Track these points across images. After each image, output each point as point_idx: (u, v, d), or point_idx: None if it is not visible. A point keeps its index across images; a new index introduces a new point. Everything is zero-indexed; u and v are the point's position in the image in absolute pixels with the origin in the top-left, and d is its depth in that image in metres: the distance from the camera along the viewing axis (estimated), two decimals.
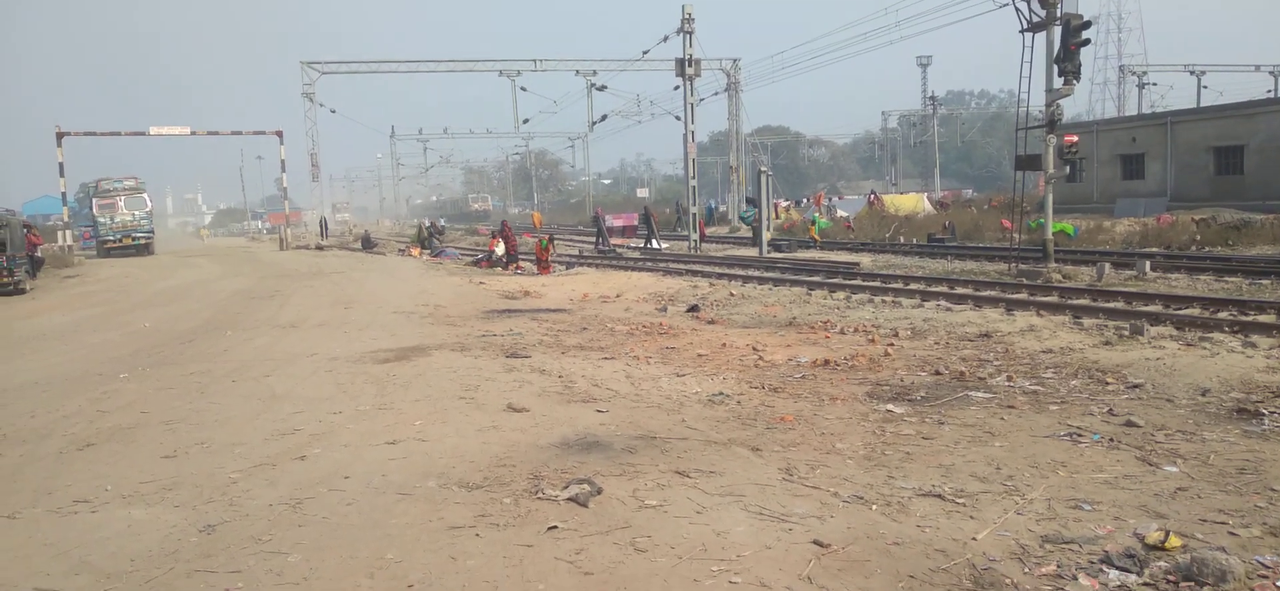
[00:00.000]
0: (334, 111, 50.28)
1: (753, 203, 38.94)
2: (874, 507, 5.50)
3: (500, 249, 28.71)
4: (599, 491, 5.75)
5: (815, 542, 4.91)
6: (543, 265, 26.12)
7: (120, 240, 43.60)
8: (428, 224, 46.33)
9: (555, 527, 5.18)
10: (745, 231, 42.70)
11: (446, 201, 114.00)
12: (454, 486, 6.03)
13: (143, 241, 44.32)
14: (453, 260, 33.34)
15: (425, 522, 5.38)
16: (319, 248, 46.00)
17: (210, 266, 33.39)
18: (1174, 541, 4.75)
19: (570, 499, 5.63)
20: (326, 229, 52.61)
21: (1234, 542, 4.77)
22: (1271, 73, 54.31)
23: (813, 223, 37.63)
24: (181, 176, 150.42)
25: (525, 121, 48.30)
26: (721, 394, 8.84)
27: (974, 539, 4.95)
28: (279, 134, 48.73)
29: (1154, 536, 4.82)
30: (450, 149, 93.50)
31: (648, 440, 7.08)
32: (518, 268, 27.34)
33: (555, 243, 28.95)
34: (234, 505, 5.87)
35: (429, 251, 37.29)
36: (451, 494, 5.89)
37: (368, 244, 44.47)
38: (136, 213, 44.75)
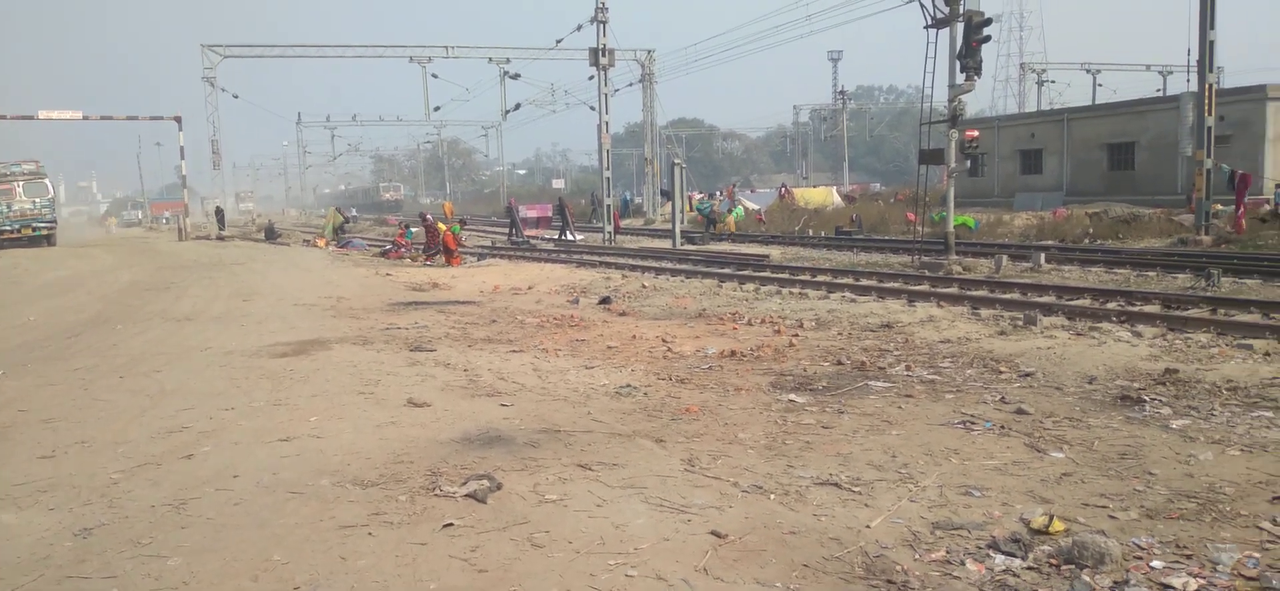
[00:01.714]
0: (236, 96, 48.69)
1: (667, 194, 39.17)
2: (772, 497, 5.54)
3: (415, 235, 28.17)
4: (498, 487, 5.67)
5: (713, 533, 4.92)
6: (452, 256, 25.73)
7: (18, 230, 40.17)
8: (349, 213, 45.29)
9: (451, 525, 5.08)
10: (660, 223, 42.92)
11: (356, 191, 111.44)
12: (348, 484, 5.86)
13: (44, 232, 41.08)
14: (360, 251, 32.62)
15: (316, 522, 5.22)
16: (220, 238, 44.46)
17: (104, 257, 31.95)
18: (1058, 525, 4.90)
19: (468, 495, 5.53)
20: (223, 219, 50.24)
21: (1113, 525, 4.95)
22: (1161, 73, 56.89)
23: (730, 213, 38.01)
24: (74, 163, 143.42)
25: (436, 109, 47.67)
26: (629, 386, 8.82)
27: (868, 527, 5.03)
28: (177, 119, 46.91)
29: (1039, 521, 4.97)
30: (359, 137, 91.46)
31: (552, 434, 7.01)
32: (428, 260, 26.88)
33: (466, 226, 28.51)
34: (114, 507, 5.59)
35: (336, 242, 36.39)
36: (345, 492, 5.73)
37: (271, 234, 43.16)
38: (37, 200, 41.26)
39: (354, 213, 78.09)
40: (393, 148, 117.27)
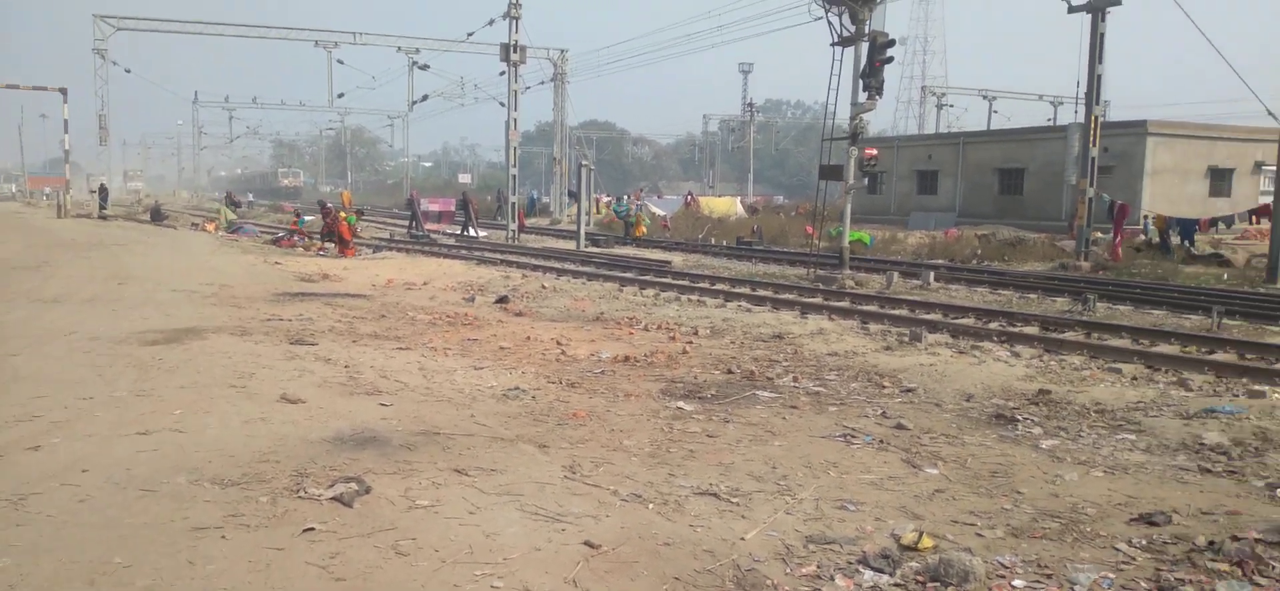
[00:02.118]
0: (129, 71, 46.37)
1: (574, 195, 38.97)
2: (650, 506, 5.48)
3: (309, 223, 27.30)
4: (367, 490, 5.45)
5: (586, 543, 4.82)
6: (346, 247, 25.02)
7: None
8: (246, 198, 43.63)
9: (312, 529, 4.85)
10: (567, 224, 42.67)
11: (254, 175, 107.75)
12: (206, 483, 5.56)
13: None
14: (251, 237, 31.47)
15: (167, 523, 4.92)
16: (102, 217, 42.32)
17: None
18: (926, 542, 4.97)
19: (334, 499, 5.30)
20: (106, 198, 47.58)
21: (980, 543, 5.05)
22: (1052, 102, 59.43)
23: (639, 218, 38.05)
24: None
25: (340, 96, 46.36)
26: (517, 389, 8.66)
27: (742, 539, 5.00)
28: (63, 91, 44.45)
29: (909, 537, 5.03)
30: (259, 120, 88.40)
31: (430, 436, 6.81)
32: (321, 249, 26.08)
33: (364, 217, 27.76)
34: None
35: (226, 228, 35.03)
36: (202, 491, 5.43)
37: (157, 216, 41.29)
38: None
39: (251, 197, 75.51)
40: (294, 133, 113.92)
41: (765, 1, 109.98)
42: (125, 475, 5.67)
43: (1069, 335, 12.58)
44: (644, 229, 34.13)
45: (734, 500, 5.64)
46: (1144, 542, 4.99)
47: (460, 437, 6.82)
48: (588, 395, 8.57)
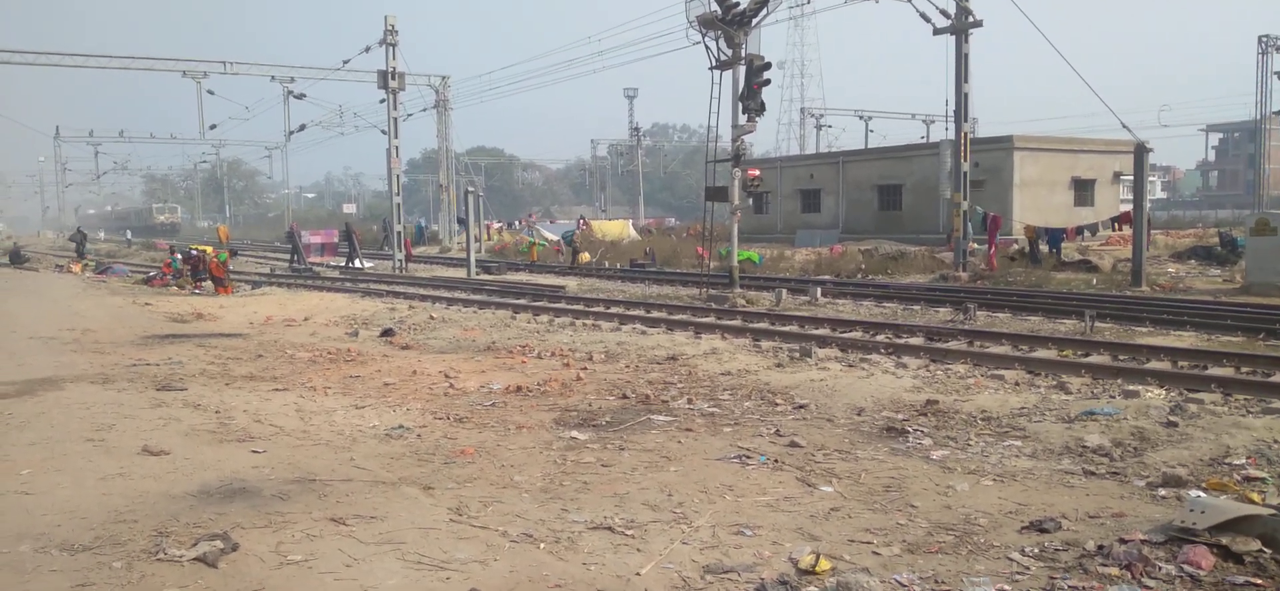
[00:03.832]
0: None
1: (464, 222, 38.32)
2: (542, 546, 5.24)
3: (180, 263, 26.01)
4: (234, 547, 5.04)
5: None
6: (222, 284, 23.90)
7: None
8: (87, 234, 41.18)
9: None
10: (457, 252, 41.92)
11: (128, 211, 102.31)
12: (54, 550, 5.05)
13: None
14: (121, 278, 29.78)
15: None
16: None
17: None
18: (824, 565, 4.88)
19: (197, 559, 4.87)
20: None
21: (877, 562, 4.99)
22: (925, 121, 61.77)
23: (533, 244, 37.65)
24: None
25: (212, 127, 44.45)
26: (401, 427, 8.28)
27: (638, 573, 4.82)
28: None
29: (806, 560, 4.94)
30: (127, 154, 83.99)
31: (305, 484, 6.40)
32: (197, 287, 24.84)
33: (237, 255, 26.60)
34: None
35: (94, 267, 33.07)
36: (48, 559, 4.92)
37: (17, 258, 38.69)
38: None
39: (129, 235, 71.70)
40: (167, 167, 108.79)
41: (645, 27, 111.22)
42: None
43: (953, 345, 12.89)
44: (587, 256, 33.71)
45: (629, 532, 5.45)
46: (1036, 551, 5.02)
47: (338, 483, 6.44)
48: (477, 430, 8.26)
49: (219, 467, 6.77)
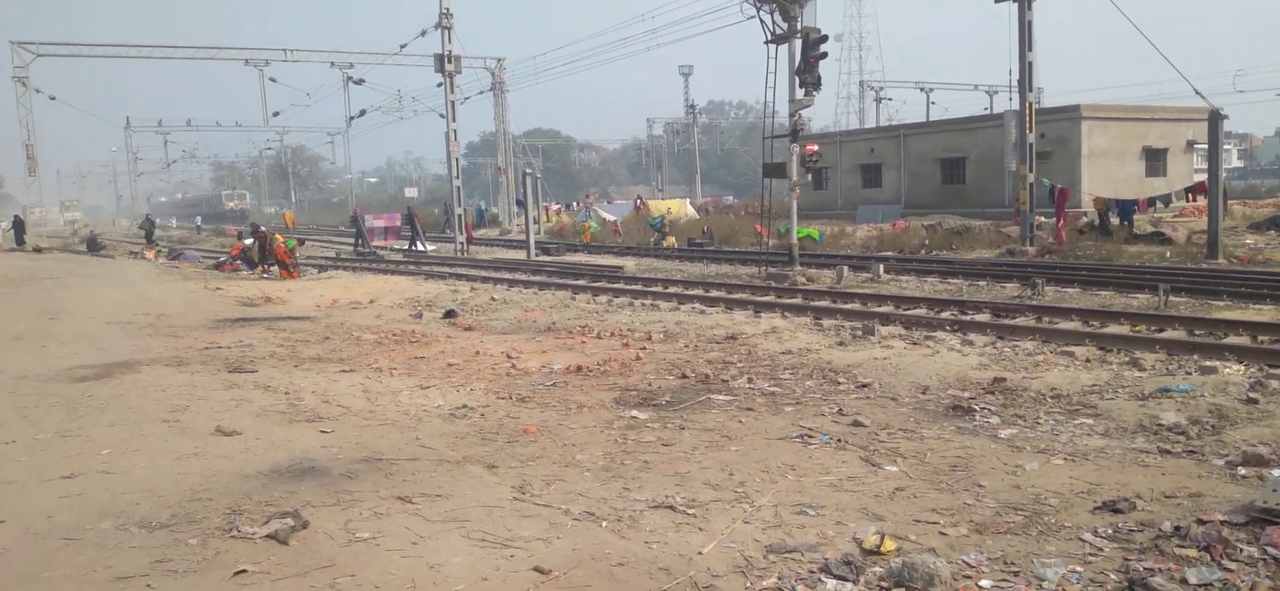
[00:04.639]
0: (53, 98, 45.08)
1: (522, 204, 38.59)
2: (604, 524, 5.26)
3: (249, 247, 26.63)
4: (304, 525, 5.15)
5: (536, 569, 4.59)
6: (289, 269, 24.44)
7: None
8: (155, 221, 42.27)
9: (244, 572, 4.55)
10: (516, 234, 42.25)
11: (198, 199, 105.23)
12: (133, 527, 5.22)
13: None
14: (193, 263, 30.64)
15: (88, 573, 4.59)
16: (37, 249, 40.84)
17: None
18: (889, 545, 4.82)
19: (269, 536, 5.00)
20: (22, 231, 43.30)
21: (943, 542, 4.91)
22: (988, 92, 60.40)
23: (586, 226, 37.75)
24: None
25: (276, 114, 45.49)
26: (465, 406, 8.39)
27: (700, 553, 4.81)
28: None
29: (870, 540, 4.87)
30: (195, 142, 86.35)
31: (372, 463, 6.51)
32: (265, 271, 25.44)
33: (304, 244, 27.16)
34: None
35: (166, 254, 34.06)
36: (128, 536, 5.09)
37: (94, 246, 40.04)
38: None
39: (200, 221, 73.77)
40: (233, 154, 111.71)
41: (698, 3, 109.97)
42: (46, 524, 5.31)
43: (1021, 321, 12.62)
44: (673, 240, 32.68)
45: (691, 512, 5.44)
46: (1109, 531, 4.89)
47: (404, 462, 6.54)
48: (539, 409, 8.33)
49: (289, 447, 6.93)
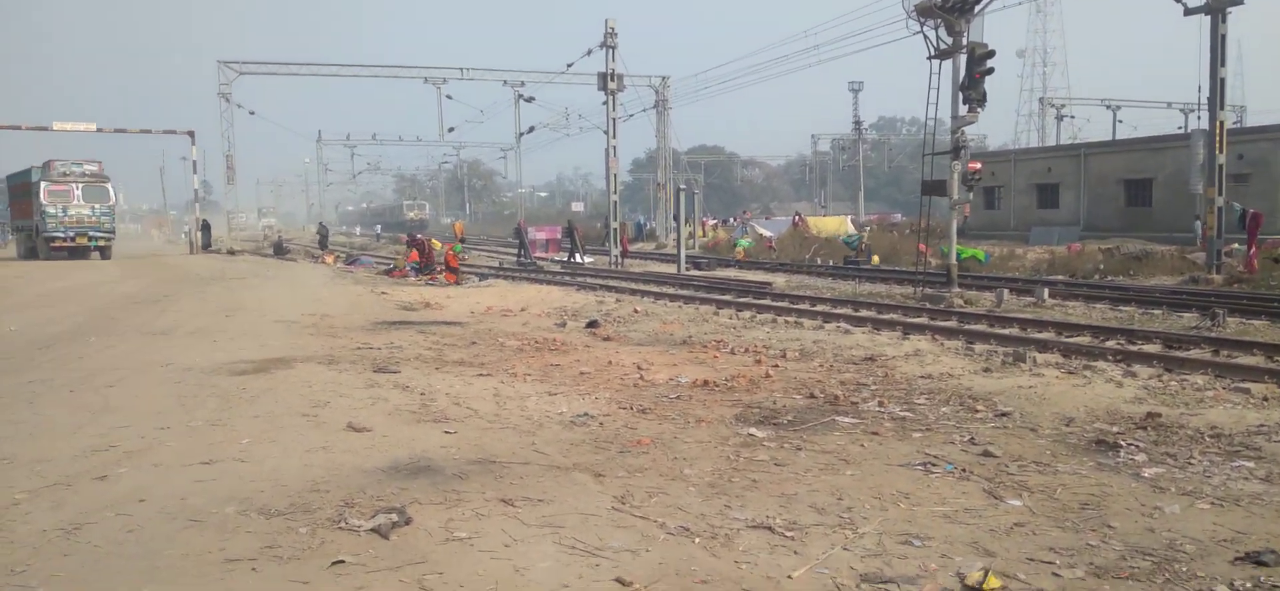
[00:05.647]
0: (253, 113, 49.02)
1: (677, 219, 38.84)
2: (697, 540, 5.17)
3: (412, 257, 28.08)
4: (408, 521, 5.33)
5: (618, 580, 4.55)
6: (452, 274, 25.53)
7: (72, 238, 34.69)
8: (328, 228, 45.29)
9: (342, 562, 4.74)
10: (672, 248, 42.57)
11: (382, 209, 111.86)
12: (253, 513, 5.54)
13: (102, 243, 35.64)
14: (366, 269, 32.52)
15: (204, 554, 4.90)
16: (231, 251, 44.49)
17: (111, 268, 31.97)
18: (993, 582, 4.50)
19: (372, 529, 5.19)
20: (209, 234, 45.82)
21: (1055, 584, 4.55)
22: (1182, 110, 56.08)
23: (737, 244, 37.60)
24: None
25: (451, 130, 47.74)
26: (586, 414, 8.47)
27: (789, 577, 4.65)
28: (191, 134, 47.04)
29: (974, 577, 4.57)
30: (378, 155, 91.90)
31: (485, 465, 6.67)
32: (432, 278, 26.70)
33: (470, 252, 28.31)
34: (2, 531, 5.30)
35: (343, 259, 36.32)
36: (247, 521, 5.41)
37: (279, 250, 43.22)
38: (97, 206, 35.42)
39: (380, 229, 78.41)
40: (414, 167, 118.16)
41: (863, 18, 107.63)
42: (179, 505, 5.72)
43: (1194, 353, 11.61)
44: (878, 259, 31.76)
45: (789, 534, 5.27)
46: (1248, 584, 4.39)
47: (516, 466, 6.67)
48: (657, 421, 8.31)
49: (411, 445, 7.19)
